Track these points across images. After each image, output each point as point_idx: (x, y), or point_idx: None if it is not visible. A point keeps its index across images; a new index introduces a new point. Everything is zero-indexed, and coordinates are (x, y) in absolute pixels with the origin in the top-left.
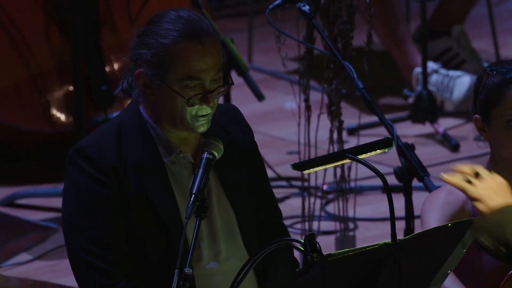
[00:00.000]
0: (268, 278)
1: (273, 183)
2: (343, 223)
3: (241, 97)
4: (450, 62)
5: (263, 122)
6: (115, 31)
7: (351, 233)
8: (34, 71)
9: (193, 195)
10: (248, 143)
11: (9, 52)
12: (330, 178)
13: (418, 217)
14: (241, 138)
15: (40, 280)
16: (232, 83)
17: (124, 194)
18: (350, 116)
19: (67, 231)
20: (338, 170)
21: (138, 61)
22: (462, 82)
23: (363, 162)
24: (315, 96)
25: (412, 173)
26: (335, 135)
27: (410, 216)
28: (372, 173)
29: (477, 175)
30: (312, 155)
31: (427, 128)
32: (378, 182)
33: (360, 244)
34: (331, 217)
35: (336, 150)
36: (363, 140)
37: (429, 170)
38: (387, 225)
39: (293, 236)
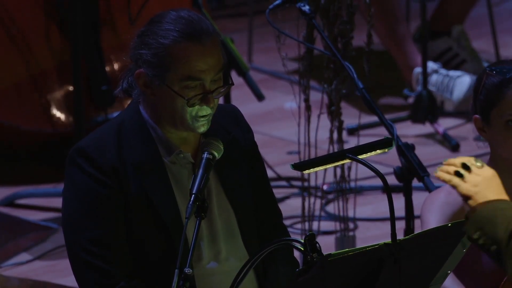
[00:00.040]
0: (268, 278)
1: (273, 183)
2: (343, 223)
3: (241, 97)
4: (450, 62)
5: (263, 122)
6: (115, 31)
7: (351, 233)
8: (34, 71)
9: (193, 195)
10: (248, 143)
11: (9, 52)
12: (330, 178)
13: (418, 217)
14: (241, 138)
15: (40, 280)
16: (232, 84)
17: (124, 194)
18: (350, 116)
19: (67, 231)
20: (338, 170)
21: (138, 61)
22: (462, 82)
23: (363, 162)
24: (315, 96)
25: (412, 173)
26: (335, 135)
27: (410, 216)
28: (372, 173)
29: (465, 167)
30: (312, 155)
31: (427, 128)
32: (378, 182)
33: (360, 244)
34: (331, 217)
35: (336, 150)
36: (363, 140)
37: (429, 170)
38: (387, 225)
39: (293, 236)
